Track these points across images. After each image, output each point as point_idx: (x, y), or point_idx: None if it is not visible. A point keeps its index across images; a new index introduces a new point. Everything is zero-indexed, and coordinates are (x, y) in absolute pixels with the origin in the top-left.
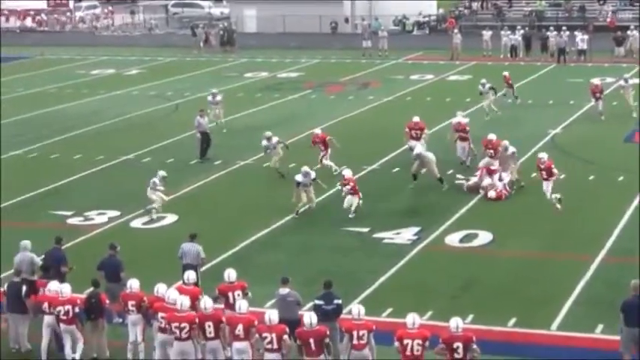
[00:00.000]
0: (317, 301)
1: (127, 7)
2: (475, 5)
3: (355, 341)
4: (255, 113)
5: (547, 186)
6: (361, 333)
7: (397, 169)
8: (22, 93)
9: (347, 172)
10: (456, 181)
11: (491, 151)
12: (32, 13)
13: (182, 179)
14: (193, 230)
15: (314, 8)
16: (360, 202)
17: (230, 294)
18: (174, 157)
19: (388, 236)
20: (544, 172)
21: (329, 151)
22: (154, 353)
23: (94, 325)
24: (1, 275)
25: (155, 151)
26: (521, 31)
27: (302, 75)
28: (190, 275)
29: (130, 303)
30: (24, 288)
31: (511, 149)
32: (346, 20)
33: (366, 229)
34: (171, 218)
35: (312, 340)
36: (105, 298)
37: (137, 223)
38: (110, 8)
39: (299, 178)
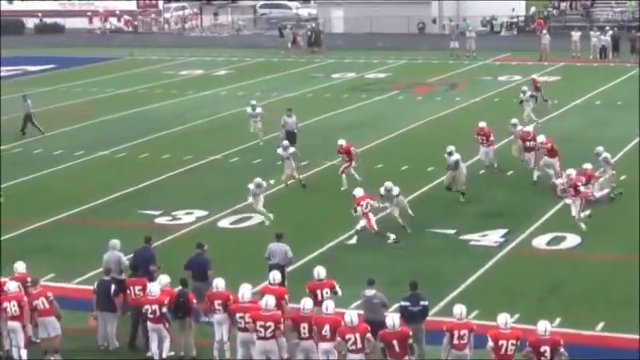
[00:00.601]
0: (403, 303)
1: (214, 9)
2: (563, 5)
3: (456, 341)
4: (342, 114)
5: (574, 203)
6: (462, 333)
7: (483, 170)
8: (111, 93)
9: (358, 192)
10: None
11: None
12: (118, 12)
13: (269, 179)
14: (280, 230)
15: (402, 9)
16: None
17: (319, 291)
18: (261, 158)
19: (475, 238)
20: (571, 190)
21: (353, 162)
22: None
23: (182, 324)
24: (90, 273)
25: (242, 151)
26: (610, 32)
27: (389, 76)
28: (276, 275)
29: (216, 302)
30: (113, 287)
31: (604, 154)
32: (434, 21)
33: (452, 231)
34: (257, 218)
35: (395, 342)
36: (192, 297)
37: (224, 223)
38: (195, 10)
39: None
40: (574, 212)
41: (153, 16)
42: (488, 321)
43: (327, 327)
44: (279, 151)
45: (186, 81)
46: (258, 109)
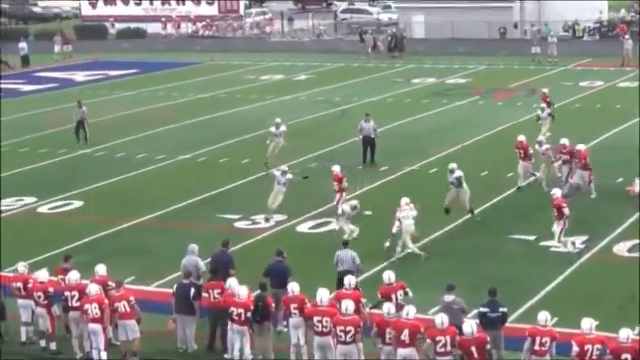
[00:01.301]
0: (482, 309)
1: (295, 14)
2: None
3: (537, 347)
4: (422, 119)
5: (556, 226)
6: (544, 340)
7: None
8: (193, 98)
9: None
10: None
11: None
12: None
13: (349, 184)
14: (359, 235)
15: (483, 14)
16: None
17: (392, 295)
18: (341, 163)
19: (555, 244)
20: (555, 210)
21: (344, 194)
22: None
23: (260, 328)
24: (170, 276)
25: (322, 156)
26: None
27: (470, 81)
28: (351, 280)
29: (292, 306)
30: (192, 290)
31: None
32: (515, 26)
33: (532, 237)
34: (336, 224)
35: (473, 348)
36: (271, 301)
37: (303, 228)
38: (269, 15)
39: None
40: (556, 237)
41: (237, 20)
42: (568, 328)
43: (406, 332)
44: (276, 173)
45: (267, 86)
46: (283, 127)
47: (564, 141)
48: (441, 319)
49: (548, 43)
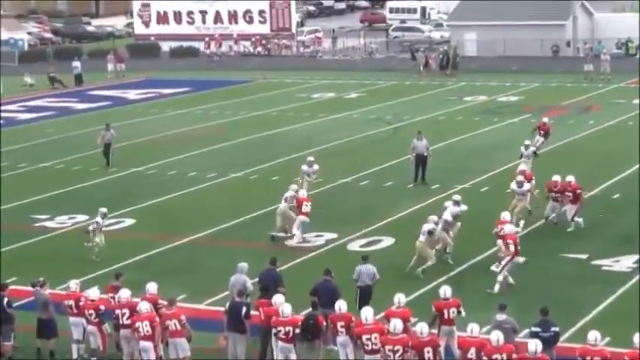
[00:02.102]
0: (534, 328)
1: (347, 33)
2: None
3: None
4: (474, 137)
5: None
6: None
7: (617, 195)
8: (245, 116)
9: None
10: None
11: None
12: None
13: (400, 203)
14: (410, 253)
15: (535, 32)
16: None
17: (445, 310)
18: (392, 181)
19: (607, 263)
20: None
21: (298, 219)
22: None
23: (311, 346)
24: (221, 295)
25: (373, 174)
26: None
27: (522, 99)
28: (401, 298)
29: (339, 324)
30: (244, 308)
31: None
32: (568, 44)
33: (584, 256)
34: (388, 241)
35: None
36: (322, 320)
37: (354, 246)
38: (321, 34)
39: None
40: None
41: (284, 41)
42: (620, 348)
43: (473, 350)
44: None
45: (319, 104)
46: (315, 166)
47: (556, 178)
48: (497, 337)
49: (600, 60)
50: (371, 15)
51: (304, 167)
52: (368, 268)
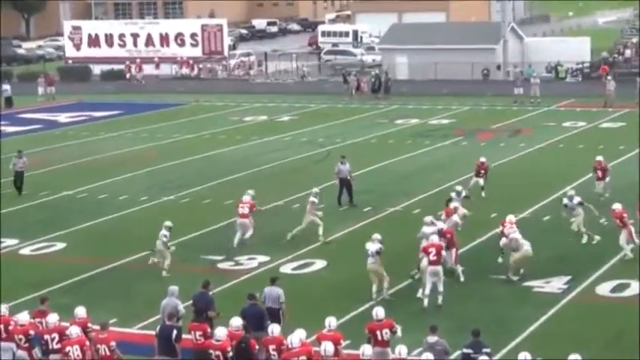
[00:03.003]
0: (466, 350)
1: (279, 56)
2: (628, 53)
3: None
4: (405, 160)
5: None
6: None
7: (548, 216)
8: (178, 139)
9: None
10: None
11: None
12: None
13: (332, 225)
14: (343, 276)
15: (466, 55)
16: None
17: (378, 332)
18: (324, 203)
19: (538, 285)
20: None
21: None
22: None
23: None
24: (152, 318)
25: (305, 197)
26: None
27: (453, 122)
28: (331, 322)
29: (271, 347)
30: (174, 332)
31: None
32: (498, 67)
33: (515, 278)
34: (320, 264)
35: None
36: (255, 343)
37: (287, 269)
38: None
39: None
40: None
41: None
42: None
43: None
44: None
45: (251, 127)
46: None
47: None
48: (428, 359)
49: (531, 84)
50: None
51: (314, 199)
52: (272, 291)
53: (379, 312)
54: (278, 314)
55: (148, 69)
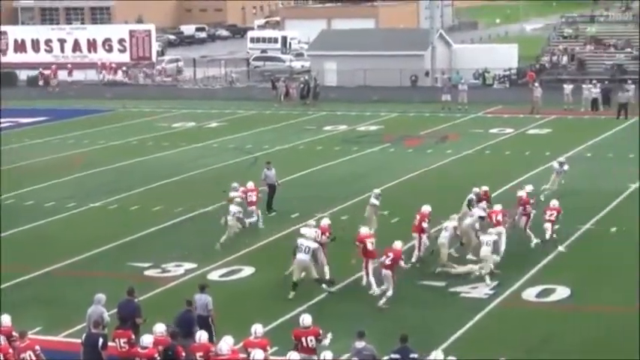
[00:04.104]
0: (393, 355)
1: (208, 62)
2: (555, 59)
3: None
4: (333, 166)
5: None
6: None
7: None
8: (104, 145)
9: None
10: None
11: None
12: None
13: (260, 231)
14: (271, 282)
15: (395, 62)
16: None
17: (304, 339)
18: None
19: (464, 290)
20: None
21: None
22: None
23: None
24: (79, 326)
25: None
26: (599, 85)
27: (381, 128)
28: (258, 328)
29: (198, 354)
30: (100, 340)
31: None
32: (426, 74)
33: (442, 284)
34: (248, 271)
35: None
36: (182, 350)
37: (214, 276)
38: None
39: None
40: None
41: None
42: None
43: None
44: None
45: (179, 133)
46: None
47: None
48: None
49: (458, 90)
50: None
51: (374, 201)
52: (200, 298)
53: (306, 319)
54: (207, 321)
55: (77, 75)
